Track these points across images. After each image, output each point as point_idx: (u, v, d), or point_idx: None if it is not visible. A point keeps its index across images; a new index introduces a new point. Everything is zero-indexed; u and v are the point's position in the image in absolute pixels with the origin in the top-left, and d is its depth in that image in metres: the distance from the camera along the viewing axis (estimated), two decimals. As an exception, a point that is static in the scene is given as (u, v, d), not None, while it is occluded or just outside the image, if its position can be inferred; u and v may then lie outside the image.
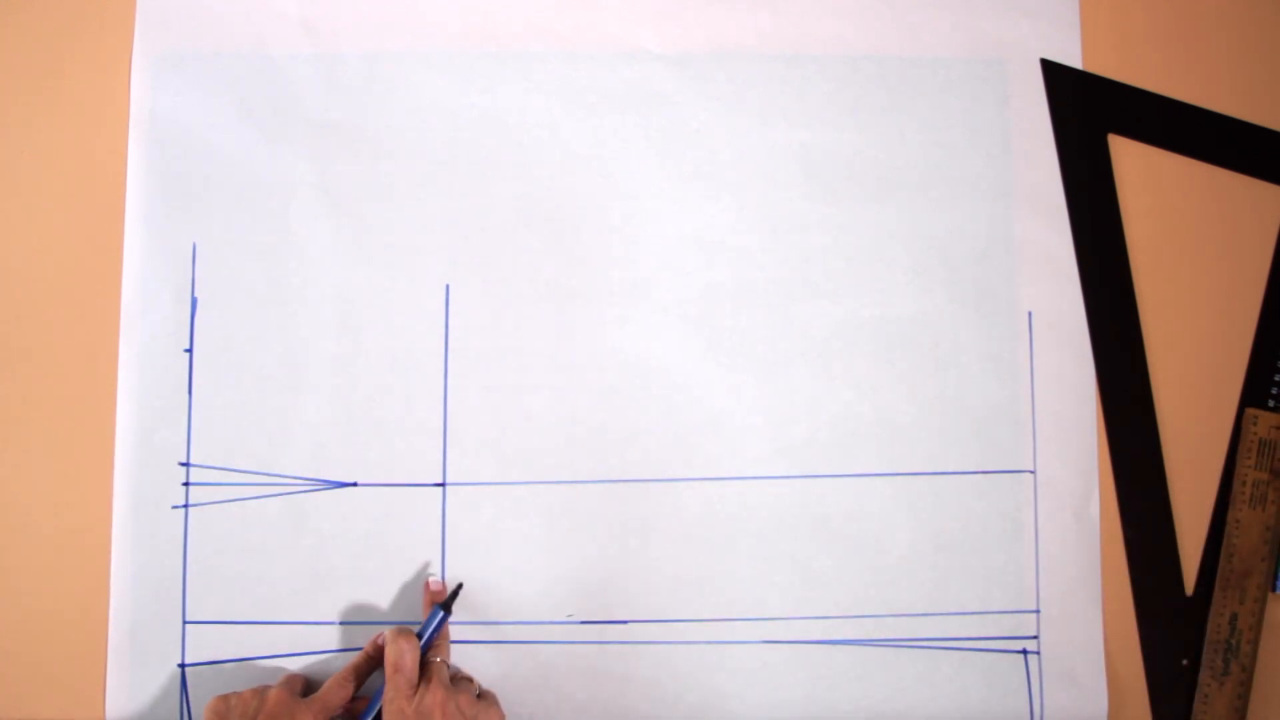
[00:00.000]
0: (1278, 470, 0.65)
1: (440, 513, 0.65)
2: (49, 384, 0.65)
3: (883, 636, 0.65)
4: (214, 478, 0.65)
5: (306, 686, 0.62)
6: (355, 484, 0.65)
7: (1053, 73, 0.68)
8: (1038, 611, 0.65)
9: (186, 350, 0.66)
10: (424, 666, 0.59)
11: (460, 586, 0.64)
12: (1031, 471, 0.66)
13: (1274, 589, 0.65)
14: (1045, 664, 0.65)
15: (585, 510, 0.65)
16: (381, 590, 0.65)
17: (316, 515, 0.65)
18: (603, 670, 0.65)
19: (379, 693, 0.59)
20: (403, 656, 0.58)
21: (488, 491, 0.65)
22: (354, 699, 0.60)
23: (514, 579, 0.65)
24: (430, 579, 0.64)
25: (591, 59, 0.68)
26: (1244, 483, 0.65)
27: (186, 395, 0.65)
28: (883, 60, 0.68)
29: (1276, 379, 0.67)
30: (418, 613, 0.64)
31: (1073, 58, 0.68)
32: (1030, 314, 0.67)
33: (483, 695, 0.61)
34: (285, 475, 0.65)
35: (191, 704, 0.64)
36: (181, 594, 0.64)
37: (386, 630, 0.61)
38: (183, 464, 0.65)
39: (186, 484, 0.65)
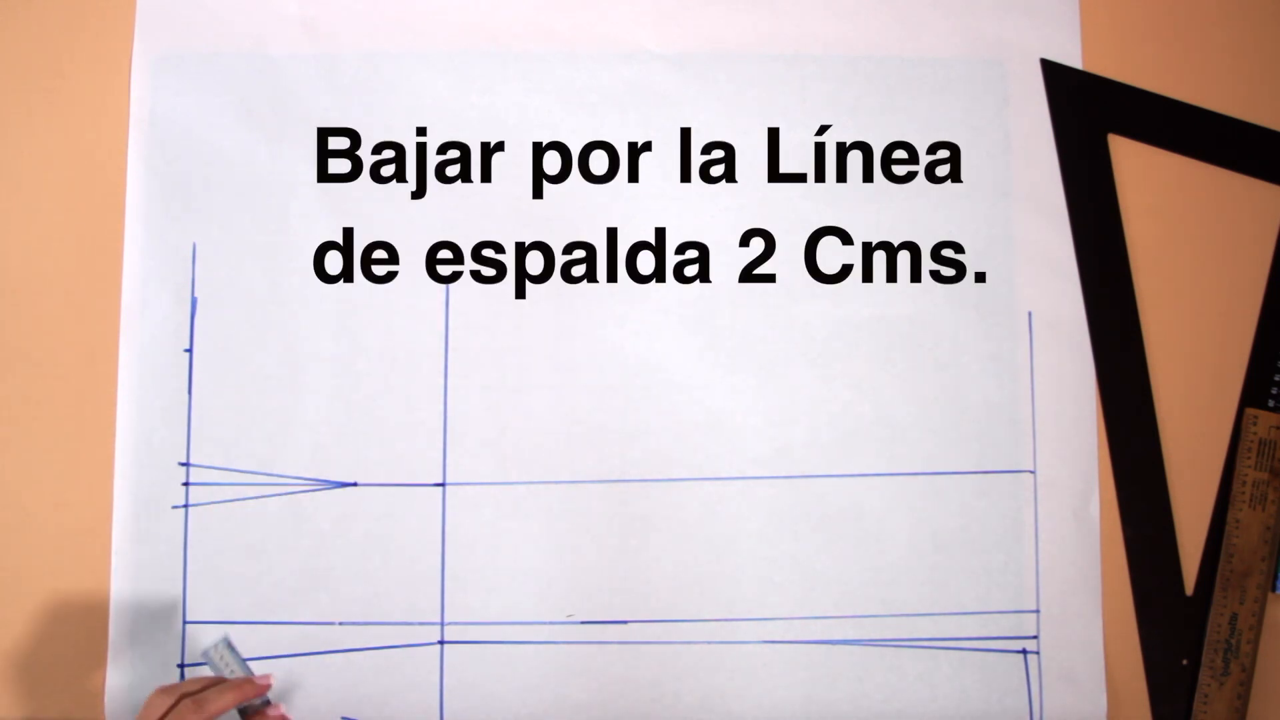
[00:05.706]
0: (1278, 470, 0.65)
1: (440, 513, 0.65)
2: (49, 384, 0.65)
3: (882, 636, 0.65)
4: (214, 478, 0.65)
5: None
6: (355, 484, 0.65)
7: (1053, 73, 0.68)
8: (1037, 611, 0.65)
9: (186, 350, 0.66)
10: None
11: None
12: (1031, 471, 0.66)
13: (1274, 589, 0.65)
14: (1045, 664, 0.65)
15: (585, 510, 0.65)
16: (381, 590, 0.65)
17: (316, 515, 0.65)
18: (603, 670, 0.65)
19: None
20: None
21: (488, 491, 0.65)
22: None
23: (514, 579, 0.65)
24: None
25: (591, 59, 0.68)
26: (1244, 483, 0.65)
27: (186, 395, 0.65)
28: (883, 60, 0.68)
29: (1276, 379, 0.67)
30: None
31: (1073, 58, 0.68)
32: (1030, 314, 0.67)
33: None
34: (285, 475, 0.65)
35: (191, 704, 0.64)
36: (181, 594, 0.64)
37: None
38: (183, 464, 0.65)
39: (186, 484, 0.65)
